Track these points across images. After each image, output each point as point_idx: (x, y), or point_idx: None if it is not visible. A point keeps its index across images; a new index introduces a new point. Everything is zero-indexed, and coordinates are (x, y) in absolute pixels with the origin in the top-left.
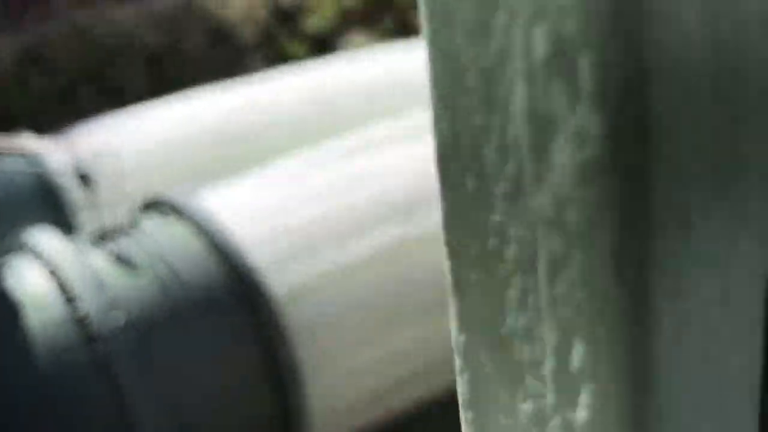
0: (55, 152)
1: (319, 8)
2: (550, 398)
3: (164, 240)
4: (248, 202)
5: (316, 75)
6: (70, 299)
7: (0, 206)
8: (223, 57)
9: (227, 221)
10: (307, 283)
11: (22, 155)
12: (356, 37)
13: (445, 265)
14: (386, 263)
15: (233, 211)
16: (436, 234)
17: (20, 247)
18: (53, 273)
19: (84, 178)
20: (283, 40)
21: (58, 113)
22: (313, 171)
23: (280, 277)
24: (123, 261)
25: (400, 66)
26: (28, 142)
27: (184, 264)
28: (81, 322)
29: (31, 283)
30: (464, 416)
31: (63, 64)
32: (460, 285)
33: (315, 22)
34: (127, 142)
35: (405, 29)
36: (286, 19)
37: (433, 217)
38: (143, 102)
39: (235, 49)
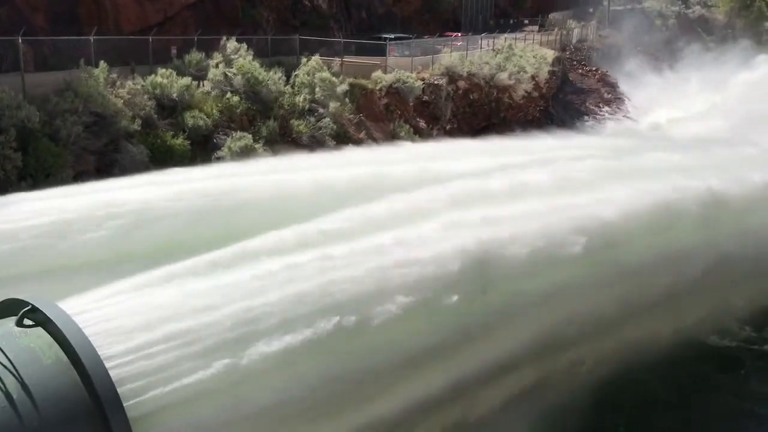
0: None
1: (202, 105)
2: None
3: (16, 350)
4: (111, 314)
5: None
6: None
7: None
8: (101, 142)
9: (88, 334)
10: (165, 403)
11: None
12: (236, 138)
13: None
14: (240, 384)
15: (95, 322)
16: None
17: None
18: None
19: None
20: (164, 132)
21: None
22: (177, 283)
23: (138, 395)
24: None
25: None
26: None
27: (37, 377)
28: None
29: None
30: None
31: None
32: None
33: (196, 118)
34: None
35: (285, 136)
36: (168, 111)
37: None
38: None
39: (113, 136)
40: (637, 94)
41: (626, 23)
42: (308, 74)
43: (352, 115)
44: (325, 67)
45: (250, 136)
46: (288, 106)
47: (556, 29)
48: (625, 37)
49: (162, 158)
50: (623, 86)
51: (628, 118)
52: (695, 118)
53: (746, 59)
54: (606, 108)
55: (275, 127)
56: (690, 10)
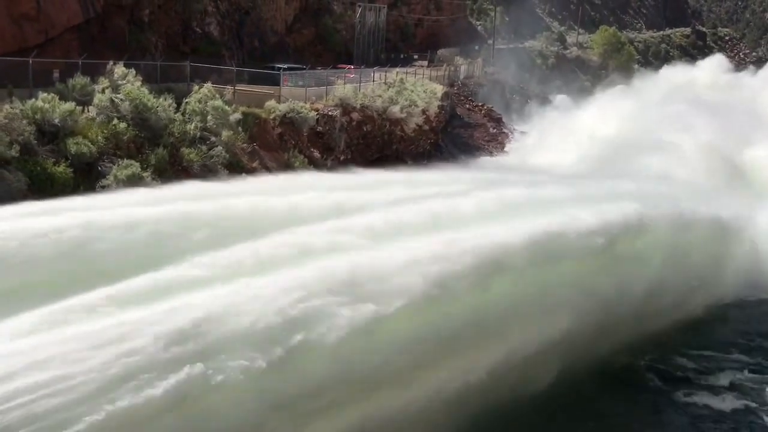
0: None
1: (86, 132)
2: None
3: None
4: None
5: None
6: None
7: None
8: None
9: None
10: None
11: None
12: (123, 166)
13: None
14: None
15: None
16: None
17: None
18: None
19: None
20: (44, 159)
21: None
22: (55, 329)
23: None
24: None
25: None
26: None
27: None
28: None
29: None
30: None
31: None
32: None
33: (80, 145)
34: None
35: (175, 164)
36: (50, 137)
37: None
38: None
39: None
40: (521, 128)
41: (510, 61)
42: (200, 102)
43: (245, 144)
44: (217, 95)
45: (138, 164)
46: (178, 133)
47: (444, 65)
48: (509, 74)
49: (42, 187)
50: (507, 121)
51: (511, 152)
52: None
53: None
54: (492, 142)
55: (165, 156)
56: (568, 51)
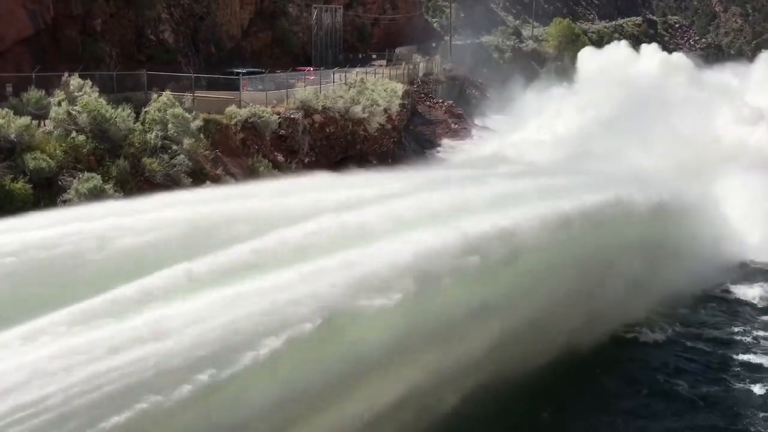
0: None
1: (44, 146)
2: None
3: None
4: None
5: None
6: None
7: None
8: None
9: None
10: None
11: None
12: (84, 179)
13: None
14: None
15: None
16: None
17: None
18: None
19: None
20: (1, 176)
21: None
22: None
23: None
24: None
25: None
26: None
27: None
28: None
29: None
30: None
31: None
32: None
33: (38, 160)
34: None
35: (137, 175)
36: (6, 153)
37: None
38: None
39: None
40: (481, 123)
41: (467, 57)
42: (159, 110)
43: (207, 152)
44: (177, 103)
45: (99, 176)
46: (139, 144)
47: (403, 63)
48: (467, 69)
49: (1, 204)
50: (468, 116)
51: (473, 146)
52: (533, 144)
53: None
54: (455, 138)
55: (126, 167)
56: (524, 45)
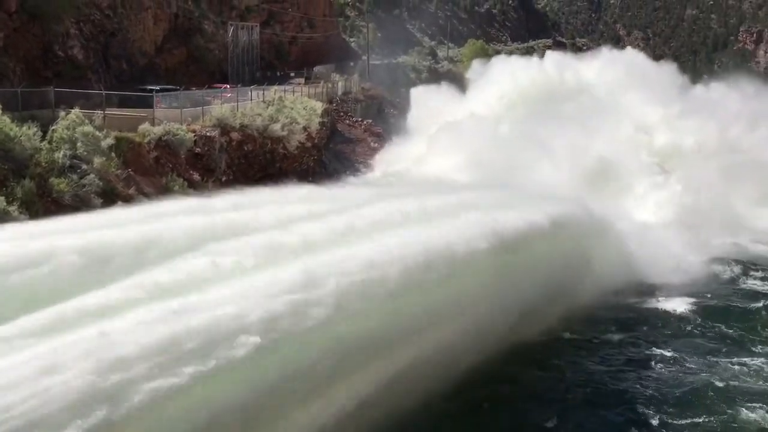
0: None
1: None
2: None
3: None
4: None
5: None
6: None
7: None
8: None
9: None
10: None
11: None
12: None
13: None
14: None
15: None
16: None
17: None
18: None
19: None
20: None
21: None
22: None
23: None
24: None
25: None
26: None
27: None
28: None
29: None
30: None
31: None
32: None
33: None
34: None
35: (44, 196)
36: None
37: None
38: None
39: None
40: (400, 141)
41: (385, 76)
42: (68, 128)
43: (119, 171)
44: (86, 121)
45: (3, 198)
46: (46, 163)
47: (322, 82)
48: (385, 89)
49: None
50: (387, 135)
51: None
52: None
53: None
54: (374, 157)
55: (32, 187)
56: (439, 65)
